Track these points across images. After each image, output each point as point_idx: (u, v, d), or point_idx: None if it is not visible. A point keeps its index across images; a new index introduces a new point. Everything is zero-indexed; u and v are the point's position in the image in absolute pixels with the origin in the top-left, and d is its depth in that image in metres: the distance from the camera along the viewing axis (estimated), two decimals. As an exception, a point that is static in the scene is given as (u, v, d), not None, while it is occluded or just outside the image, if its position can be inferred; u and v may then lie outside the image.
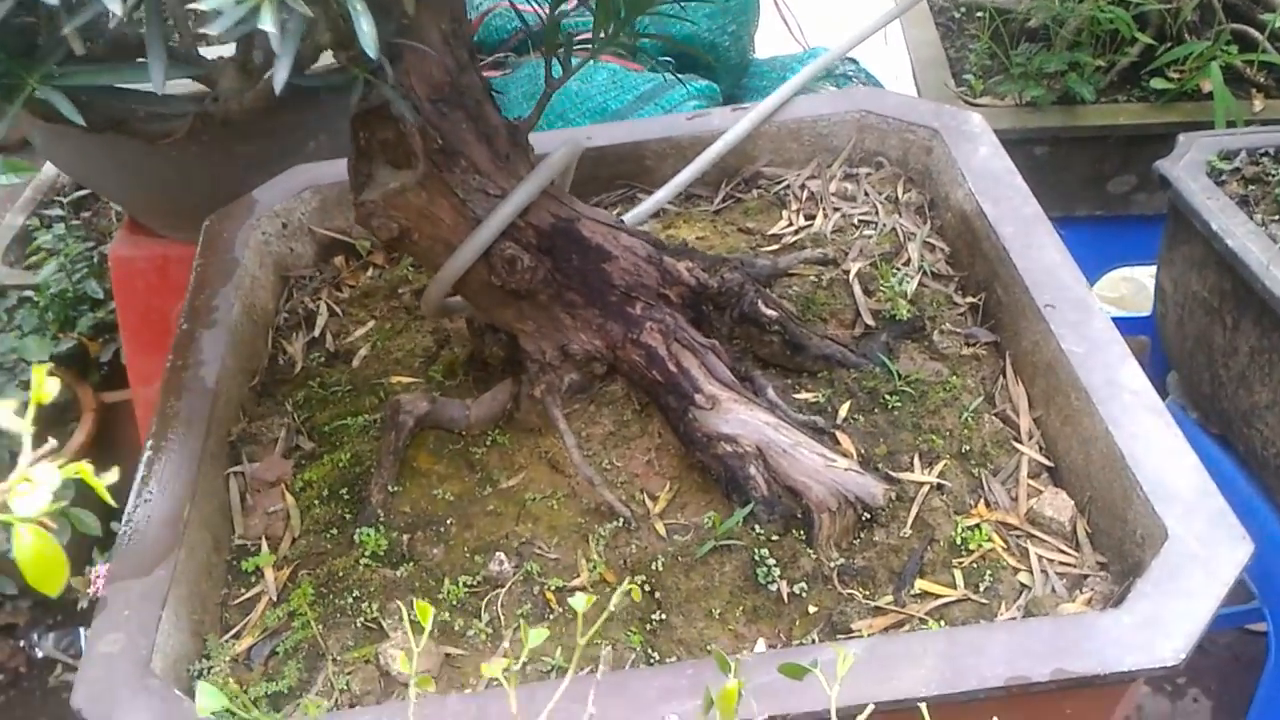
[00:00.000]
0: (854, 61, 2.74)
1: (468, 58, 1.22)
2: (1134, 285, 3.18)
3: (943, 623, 1.18)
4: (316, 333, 1.63)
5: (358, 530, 1.32)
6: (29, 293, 2.86)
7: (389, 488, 1.36)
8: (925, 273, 1.56)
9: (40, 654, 2.85)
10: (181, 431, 1.38)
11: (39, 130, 2.20)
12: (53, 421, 2.69)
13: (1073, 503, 1.27)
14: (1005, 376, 1.43)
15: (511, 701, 0.67)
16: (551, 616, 1.24)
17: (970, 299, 1.53)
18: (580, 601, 0.67)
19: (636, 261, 1.34)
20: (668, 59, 2.62)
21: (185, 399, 1.41)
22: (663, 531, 1.31)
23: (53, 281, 2.77)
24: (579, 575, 1.27)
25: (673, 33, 2.62)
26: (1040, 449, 1.35)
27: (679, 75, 2.41)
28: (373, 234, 1.23)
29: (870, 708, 0.65)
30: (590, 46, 2.53)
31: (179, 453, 1.35)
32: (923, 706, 0.68)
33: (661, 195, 1.62)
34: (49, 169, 3.17)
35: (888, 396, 1.41)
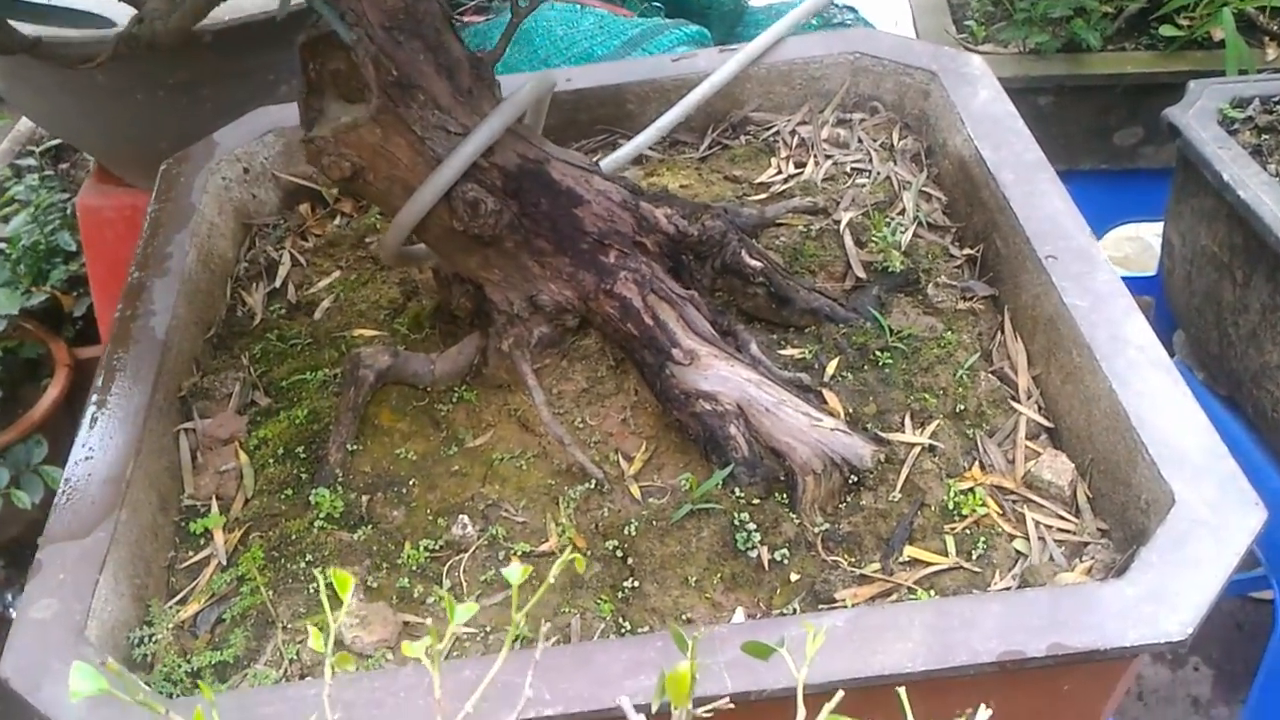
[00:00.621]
0: (852, 9, 2.65)
1: (426, -18, 1.13)
2: (1139, 244, 3.09)
3: (932, 592, 1.11)
4: (278, 283, 1.54)
5: (313, 491, 1.24)
6: (1, 245, 2.78)
7: (348, 446, 1.28)
8: (921, 223, 1.48)
9: (14, 614, 2.80)
10: (128, 385, 1.30)
11: (3, 76, 2.11)
12: (26, 377, 2.61)
13: (1073, 466, 1.19)
14: (1003, 332, 1.35)
15: (436, 685, 0.60)
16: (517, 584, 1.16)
17: (968, 250, 1.45)
18: (515, 573, 0.59)
19: (610, 207, 1.26)
20: (658, 4, 2.53)
21: (133, 350, 1.33)
22: (637, 494, 1.23)
23: (24, 233, 2.69)
24: (547, 539, 1.20)
25: (664, -25, 2.54)
26: (1039, 409, 1.27)
27: (669, 20, 2.32)
28: (323, 173, 1.14)
29: (840, 695, 0.57)
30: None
31: (124, 407, 1.27)
32: (901, 691, 0.60)
33: (642, 140, 1.54)
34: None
35: (878, 353, 1.33)
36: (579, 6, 2.38)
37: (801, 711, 0.58)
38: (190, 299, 1.43)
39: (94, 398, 1.29)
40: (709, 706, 0.65)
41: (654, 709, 0.62)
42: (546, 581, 0.64)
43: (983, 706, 0.58)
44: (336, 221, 1.66)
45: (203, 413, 1.35)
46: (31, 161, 2.91)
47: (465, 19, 2.54)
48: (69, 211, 2.72)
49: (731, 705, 0.65)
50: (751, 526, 1.17)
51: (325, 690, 0.60)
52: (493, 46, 2.36)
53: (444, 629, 1.13)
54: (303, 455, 1.30)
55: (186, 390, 1.36)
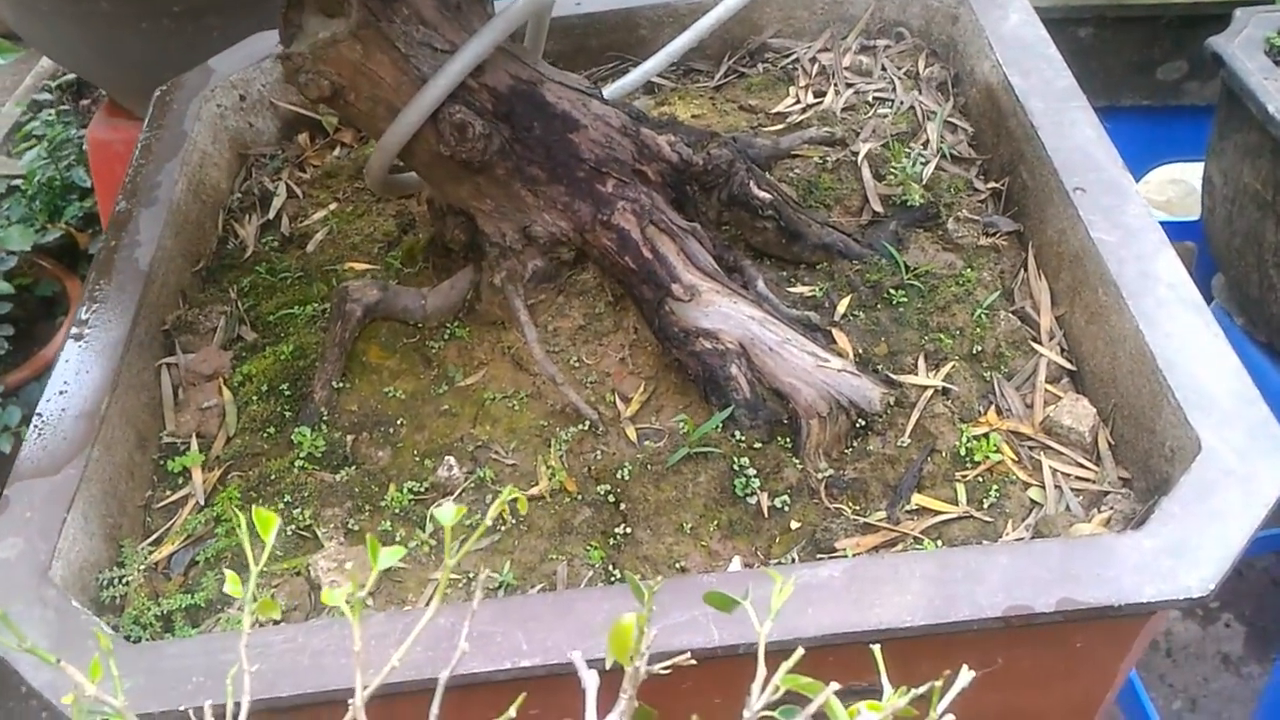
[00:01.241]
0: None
1: (408, -113, 1.06)
2: (1183, 188, 2.98)
3: (939, 542, 1.05)
4: (271, 215, 1.49)
5: (296, 430, 1.19)
6: (18, 182, 2.74)
7: (334, 384, 1.23)
8: (944, 155, 1.40)
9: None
10: (107, 318, 1.25)
11: (11, 10, 2.07)
12: (41, 315, 2.58)
13: (1094, 410, 1.12)
14: (1026, 269, 1.27)
15: (355, 636, 0.54)
16: (503, 528, 1.11)
17: (993, 184, 1.37)
18: (448, 513, 0.53)
19: (609, 133, 1.19)
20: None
21: (114, 282, 1.28)
22: (633, 436, 1.17)
23: (38, 169, 2.65)
24: (537, 483, 1.14)
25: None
26: (1061, 350, 1.19)
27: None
28: (301, 92, 1.08)
29: (799, 653, 0.51)
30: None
31: (102, 340, 1.22)
32: (875, 649, 0.54)
33: (650, 66, 1.46)
34: (51, 56, 3.05)
35: (893, 291, 1.25)
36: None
37: (762, 670, 0.52)
38: (178, 230, 1.38)
39: (73, 330, 1.24)
40: (668, 663, 0.59)
41: (607, 665, 0.56)
42: (477, 534, 0.58)
43: (964, 668, 0.52)
44: (336, 152, 1.60)
45: (186, 347, 1.30)
46: (48, 96, 2.86)
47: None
48: (84, 147, 2.68)
49: (693, 661, 0.58)
50: (751, 472, 1.11)
51: (243, 641, 0.54)
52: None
53: (426, 574, 1.09)
54: (287, 392, 1.24)
55: (170, 324, 1.31)
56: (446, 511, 0.52)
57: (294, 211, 1.49)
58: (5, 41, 2.83)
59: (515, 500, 1.13)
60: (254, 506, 1.12)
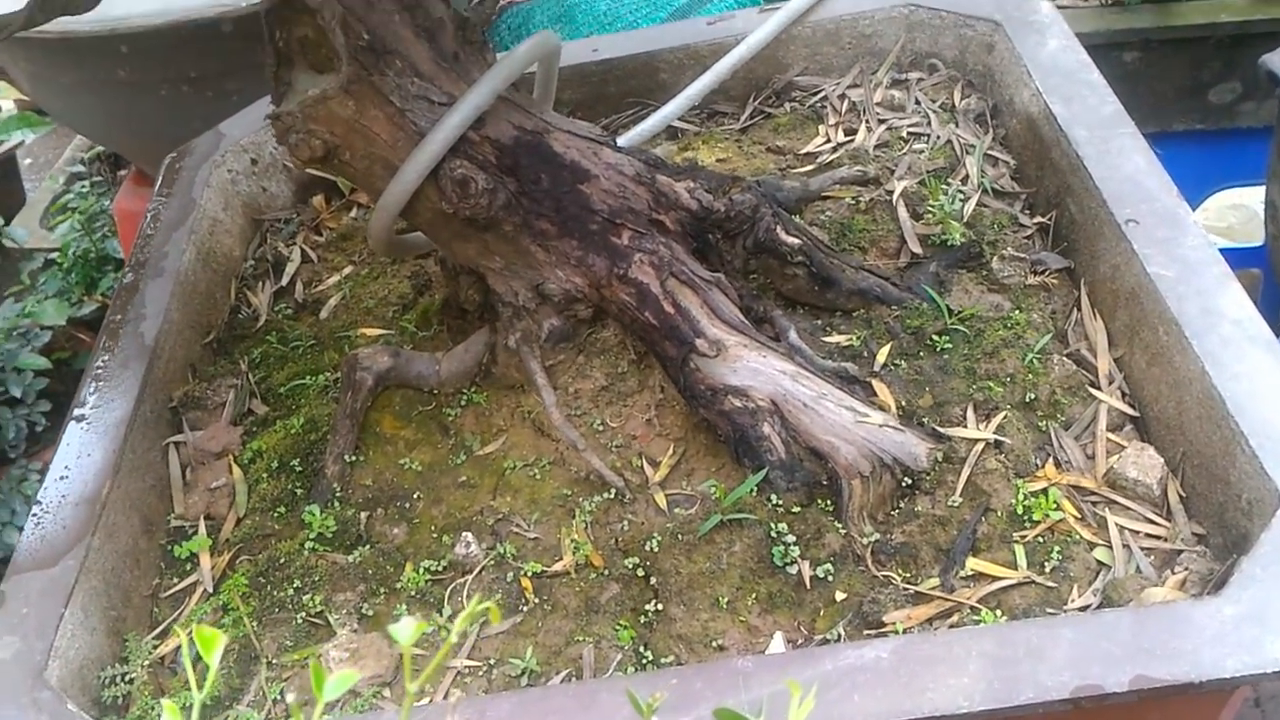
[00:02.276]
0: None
1: (400, -65, 1.00)
2: (1244, 213, 2.86)
3: (999, 612, 0.96)
4: (285, 281, 1.44)
5: (307, 509, 1.12)
6: (54, 255, 2.74)
7: (346, 458, 1.16)
8: (985, 190, 1.32)
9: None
10: (110, 396, 1.19)
11: (26, 81, 2.05)
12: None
13: (1162, 460, 1.03)
14: (1080, 309, 1.18)
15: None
16: (526, 608, 1.04)
17: (1039, 219, 1.29)
18: (406, 630, 0.46)
19: (622, 181, 1.12)
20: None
21: (118, 358, 1.23)
22: (662, 503, 1.09)
23: (73, 242, 2.64)
24: (561, 558, 1.07)
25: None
26: (1122, 395, 1.10)
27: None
28: (292, 154, 1.02)
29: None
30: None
31: (104, 421, 1.17)
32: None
33: (669, 110, 1.39)
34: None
35: (936, 337, 1.17)
36: (624, -20, 2.25)
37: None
38: (186, 301, 1.33)
39: (74, 412, 1.19)
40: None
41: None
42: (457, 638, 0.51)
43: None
44: (352, 213, 1.55)
45: (195, 424, 1.24)
46: (81, 168, 2.86)
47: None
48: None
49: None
50: (790, 539, 1.03)
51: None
52: (536, 27, 2.26)
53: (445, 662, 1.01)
54: (298, 468, 1.18)
55: (178, 400, 1.26)
56: (405, 629, 0.45)
57: (308, 276, 1.44)
58: (36, 115, 2.84)
59: (536, 574, 1.06)
60: (266, 590, 1.07)
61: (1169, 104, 2.07)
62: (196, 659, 1.02)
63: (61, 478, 1.12)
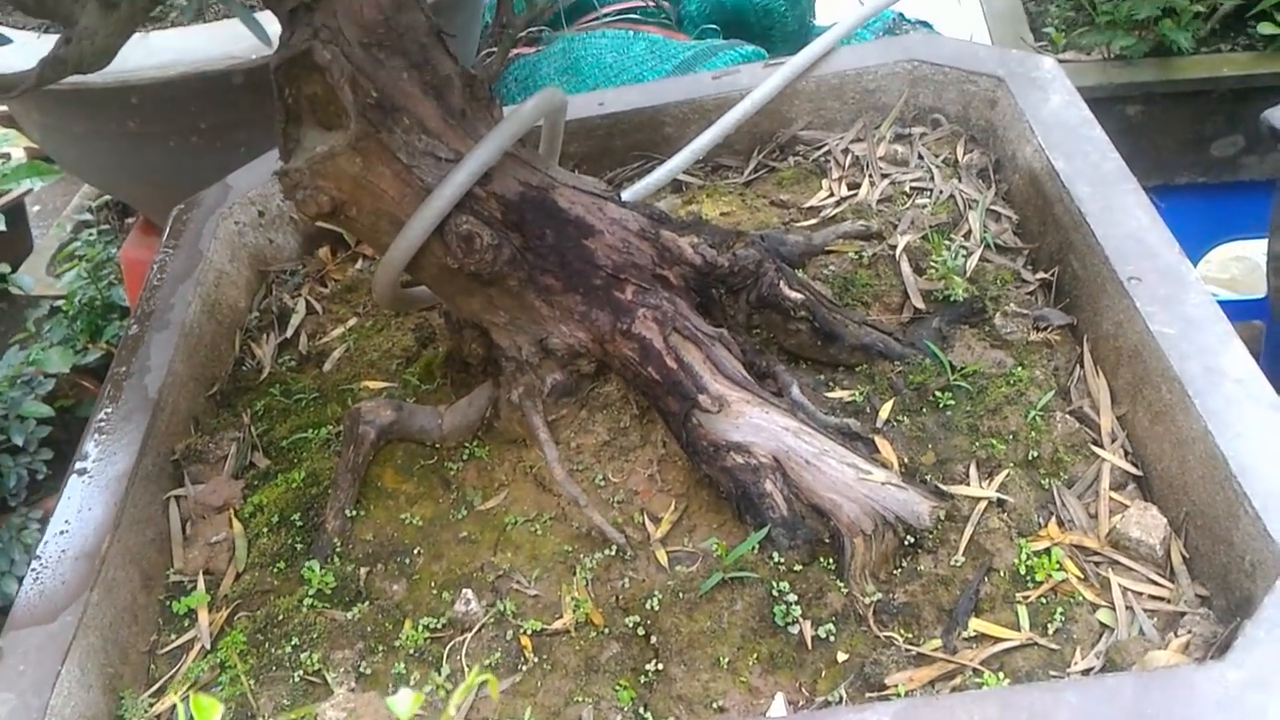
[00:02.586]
0: (925, 24, 2.50)
1: (407, -6, 1.01)
2: (1247, 265, 2.86)
3: (1002, 675, 0.95)
4: (289, 333, 1.44)
5: (306, 565, 1.12)
6: (60, 303, 2.74)
7: (347, 512, 1.16)
8: (988, 245, 1.32)
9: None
10: (112, 449, 1.19)
11: (36, 131, 2.07)
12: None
13: (1165, 521, 1.02)
14: (1082, 366, 1.18)
15: None
16: (525, 667, 1.03)
17: (1041, 275, 1.29)
18: (405, 704, 0.45)
19: (626, 237, 1.12)
20: (713, 26, 2.41)
21: (121, 411, 1.23)
22: (664, 560, 1.09)
23: (79, 290, 2.65)
24: (561, 615, 1.06)
25: (722, -2, 2.42)
26: (1125, 454, 1.10)
27: (726, 41, 2.19)
28: (299, 209, 1.02)
29: None
30: (628, 17, 2.34)
31: (105, 475, 1.17)
32: None
33: (674, 164, 1.40)
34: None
35: (939, 393, 1.17)
36: (631, 33, 2.27)
37: None
38: (190, 354, 1.33)
39: (76, 465, 1.19)
40: None
41: None
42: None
43: None
44: (358, 265, 1.55)
45: (196, 477, 1.24)
46: (88, 216, 2.87)
47: (516, 51, 2.43)
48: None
49: None
50: (792, 598, 1.02)
51: None
52: (542, 79, 2.28)
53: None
54: (299, 523, 1.18)
55: (180, 453, 1.26)
56: (404, 701, 0.45)
57: (313, 329, 1.44)
58: (45, 164, 2.86)
59: (535, 633, 1.05)
60: (264, 648, 1.06)
61: (1172, 157, 2.08)
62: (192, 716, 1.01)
63: (62, 532, 1.11)
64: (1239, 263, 2.85)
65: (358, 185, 1.03)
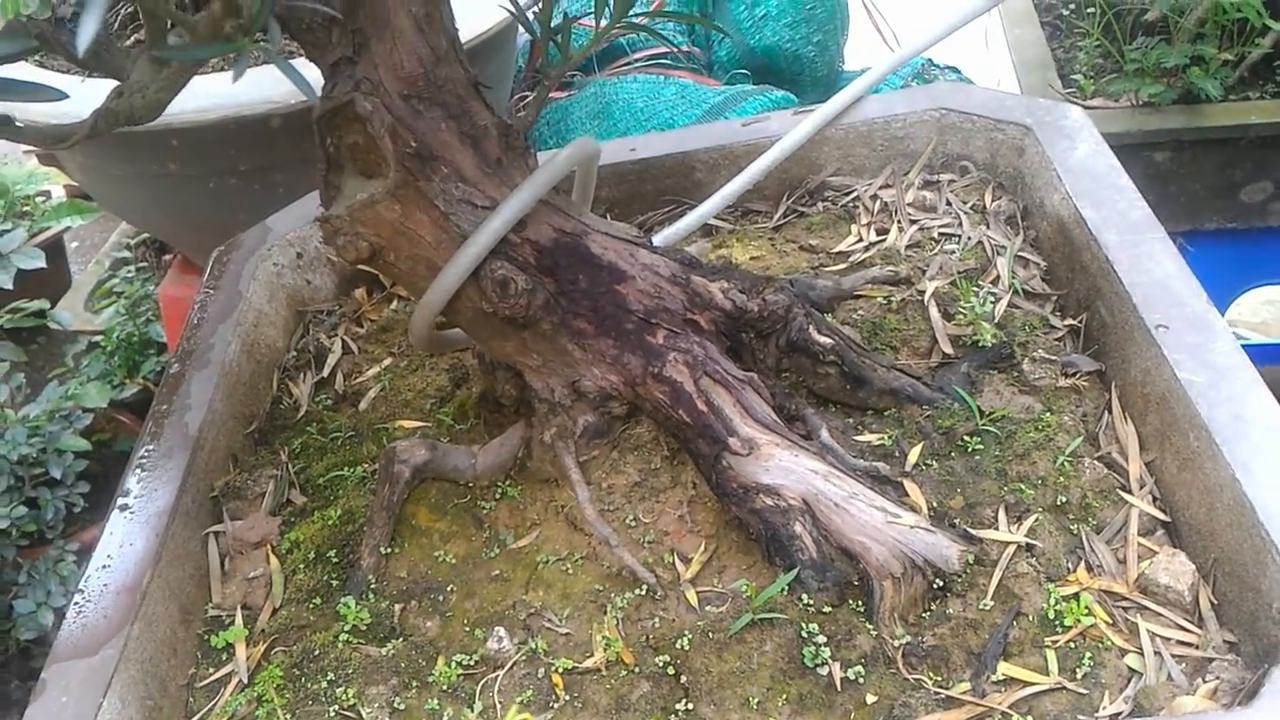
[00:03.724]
0: (955, 70, 2.52)
1: (447, 46, 1.04)
2: (1278, 309, 2.87)
3: (1030, 718, 0.95)
4: (326, 372, 1.46)
5: (341, 600, 1.14)
6: (98, 339, 2.79)
7: (382, 549, 1.18)
8: (1016, 291, 1.33)
9: None
10: (154, 486, 1.22)
11: (77, 171, 2.11)
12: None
13: (1193, 567, 1.03)
14: (1110, 412, 1.19)
15: None
16: (557, 705, 1.04)
17: (1069, 321, 1.30)
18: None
19: (658, 282, 1.14)
20: (744, 71, 2.44)
21: (162, 448, 1.26)
22: (694, 601, 1.10)
23: (117, 326, 2.69)
24: (592, 654, 1.07)
25: (751, 44, 2.45)
26: (1153, 500, 1.11)
27: (755, 86, 2.22)
28: (339, 255, 1.05)
29: None
30: (659, 62, 2.37)
31: (147, 511, 1.19)
32: None
33: (705, 209, 1.42)
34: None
35: (967, 438, 1.18)
36: (662, 77, 2.30)
37: None
38: (230, 392, 1.35)
39: (119, 501, 1.21)
40: None
41: None
42: None
43: None
44: (393, 305, 1.58)
45: (234, 514, 1.26)
46: (126, 254, 2.92)
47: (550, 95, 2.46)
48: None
49: None
50: (821, 639, 1.03)
51: None
52: (574, 122, 2.31)
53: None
54: (335, 559, 1.20)
55: (219, 489, 1.28)
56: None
57: (349, 368, 1.47)
58: (84, 202, 2.92)
59: (567, 671, 1.06)
60: (300, 682, 1.08)
61: (1201, 202, 2.09)
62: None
63: (104, 566, 1.14)
64: (1270, 307, 2.85)
65: (396, 231, 1.06)
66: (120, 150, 1.87)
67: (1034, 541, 1.08)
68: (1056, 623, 1.02)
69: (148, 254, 3.01)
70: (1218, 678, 0.94)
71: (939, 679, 1.01)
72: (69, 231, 3.23)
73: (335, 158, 1.06)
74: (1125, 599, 1.03)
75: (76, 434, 2.39)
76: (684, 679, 1.04)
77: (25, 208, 2.98)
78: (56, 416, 2.40)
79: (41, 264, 2.41)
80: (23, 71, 1.87)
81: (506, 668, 1.08)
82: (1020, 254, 1.39)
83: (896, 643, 1.03)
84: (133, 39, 2.00)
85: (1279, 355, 2.31)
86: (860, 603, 1.06)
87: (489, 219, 1.05)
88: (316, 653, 1.10)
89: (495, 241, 1.06)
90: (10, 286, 2.31)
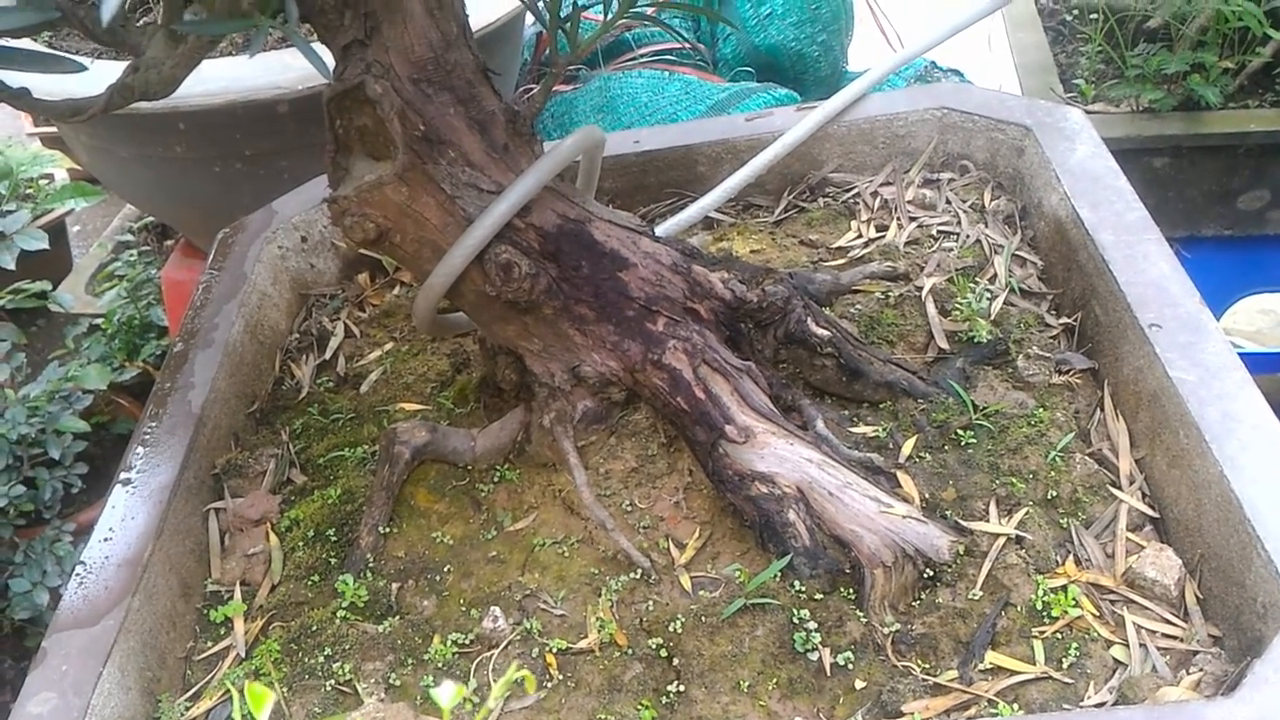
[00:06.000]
0: (957, 73, 2.54)
1: (457, 32, 1.05)
2: (1273, 318, 2.88)
3: (1016, 706, 0.97)
4: (328, 355, 1.48)
5: (339, 578, 1.15)
6: (99, 321, 2.80)
7: (380, 529, 1.19)
8: (1013, 289, 1.35)
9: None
10: (156, 462, 1.23)
11: (84, 152, 2.12)
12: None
13: (1180, 562, 1.04)
14: (1103, 409, 1.21)
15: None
16: (550, 684, 1.06)
17: (1064, 319, 1.31)
18: (448, 693, 0.49)
19: (659, 270, 1.16)
20: (748, 69, 2.45)
21: (165, 425, 1.27)
22: (687, 585, 1.11)
23: (118, 309, 2.70)
24: (586, 635, 1.09)
25: (756, 42, 2.46)
26: (1143, 496, 1.12)
27: (759, 84, 2.24)
28: (346, 235, 1.07)
29: None
30: (664, 58, 2.39)
31: (149, 486, 1.20)
32: None
33: (707, 202, 1.44)
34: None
35: (961, 431, 1.20)
36: (667, 73, 2.31)
37: None
38: (233, 372, 1.37)
39: (121, 475, 1.22)
40: None
41: None
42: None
43: None
44: (395, 291, 1.59)
45: (235, 491, 1.28)
46: (129, 237, 2.93)
47: (554, 88, 2.48)
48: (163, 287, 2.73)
49: None
50: (812, 625, 1.04)
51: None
52: (579, 116, 2.32)
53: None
54: (334, 538, 1.21)
55: (221, 467, 1.29)
56: (447, 691, 0.48)
57: (350, 351, 1.48)
58: (88, 185, 2.93)
59: (560, 651, 1.08)
60: (297, 657, 1.09)
61: (1199, 209, 2.10)
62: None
63: (106, 539, 1.15)
64: (1265, 315, 2.87)
65: (403, 214, 1.07)
66: (127, 132, 1.87)
67: (1024, 534, 1.10)
68: (1044, 614, 1.04)
69: (150, 238, 3.02)
70: (1201, 670, 0.96)
71: (927, 666, 1.02)
72: (71, 214, 3.24)
73: (344, 139, 1.08)
74: (1112, 592, 1.05)
75: (76, 415, 2.40)
76: (676, 661, 1.05)
77: (29, 190, 2.99)
78: (56, 397, 2.41)
79: (44, 246, 2.42)
80: (32, 51, 1.88)
81: (501, 647, 1.09)
82: (1018, 253, 1.41)
83: (886, 630, 1.05)
84: (142, 21, 2.01)
85: (1274, 364, 2.33)
86: (851, 590, 1.07)
87: (494, 203, 1.07)
88: (314, 629, 1.12)
89: (500, 225, 1.07)
90: (13, 267, 2.32)
